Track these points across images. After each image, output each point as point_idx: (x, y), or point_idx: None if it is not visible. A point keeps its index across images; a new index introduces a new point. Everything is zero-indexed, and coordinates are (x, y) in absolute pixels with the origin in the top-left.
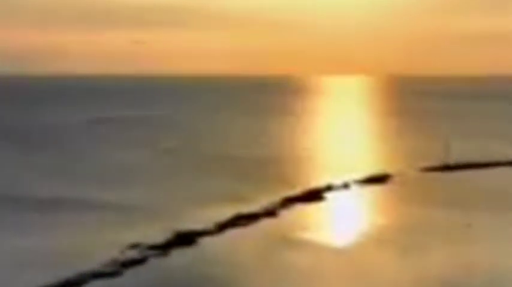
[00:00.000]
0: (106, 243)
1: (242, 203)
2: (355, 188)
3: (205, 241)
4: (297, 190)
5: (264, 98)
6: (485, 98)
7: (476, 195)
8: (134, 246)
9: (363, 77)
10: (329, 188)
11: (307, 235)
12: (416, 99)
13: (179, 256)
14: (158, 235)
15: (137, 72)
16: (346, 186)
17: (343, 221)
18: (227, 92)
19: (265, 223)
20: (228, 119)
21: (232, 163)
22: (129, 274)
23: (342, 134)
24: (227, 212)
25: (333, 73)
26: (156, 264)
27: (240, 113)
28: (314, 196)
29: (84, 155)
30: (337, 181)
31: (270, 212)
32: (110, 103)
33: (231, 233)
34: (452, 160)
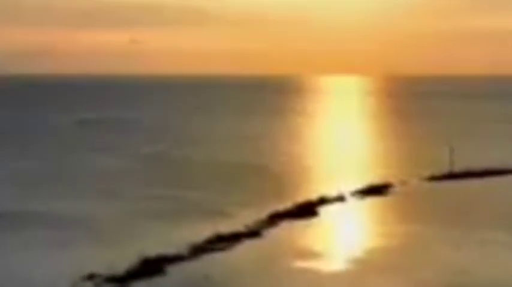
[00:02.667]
0: (56, 272)
1: (223, 219)
2: (351, 201)
3: (177, 269)
4: (287, 203)
5: (262, 98)
6: (487, 98)
7: (484, 211)
8: (90, 277)
9: (362, 77)
10: (322, 201)
11: (296, 262)
12: (417, 100)
13: None
14: (120, 261)
15: (136, 71)
16: (341, 199)
17: (336, 243)
18: (226, 92)
19: (248, 246)
20: (224, 120)
21: (218, 170)
22: None
23: (340, 137)
24: (205, 231)
25: (332, 73)
26: None
27: (237, 113)
28: (305, 210)
29: (60, 161)
30: (332, 192)
31: (255, 232)
32: (104, 104)
33: (208, 258)
34: (457, 167)
